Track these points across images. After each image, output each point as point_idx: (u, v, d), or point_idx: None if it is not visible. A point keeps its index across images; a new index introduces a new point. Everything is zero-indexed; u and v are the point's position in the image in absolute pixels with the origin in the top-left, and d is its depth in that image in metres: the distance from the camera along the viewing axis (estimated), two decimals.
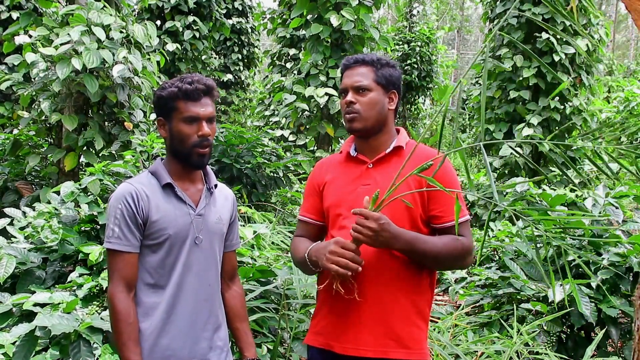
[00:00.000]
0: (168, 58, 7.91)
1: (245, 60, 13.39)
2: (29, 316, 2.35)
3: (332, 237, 1.65)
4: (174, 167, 1.70)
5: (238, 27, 12.63)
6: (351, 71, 1.75)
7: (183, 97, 1.63)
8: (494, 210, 5.98)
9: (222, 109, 13.36)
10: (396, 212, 1.61)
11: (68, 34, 4.09)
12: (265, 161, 5.86)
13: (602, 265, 3.00)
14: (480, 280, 3.62)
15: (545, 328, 2.97)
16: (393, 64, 1.77)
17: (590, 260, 3.07)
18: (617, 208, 3.56)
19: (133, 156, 3.72)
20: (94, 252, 2.62)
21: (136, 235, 1.61)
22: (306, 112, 7.42)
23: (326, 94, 6.89)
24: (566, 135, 7.83)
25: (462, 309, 3.45)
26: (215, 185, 1.77)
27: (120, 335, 1.57)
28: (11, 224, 3.14)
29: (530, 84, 7.59)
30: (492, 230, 4.35)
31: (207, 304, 1.71)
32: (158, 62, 4.90)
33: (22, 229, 3.12)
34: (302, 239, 1.83)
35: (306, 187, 1.89)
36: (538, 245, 3.36)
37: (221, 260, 1.79)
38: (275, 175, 5.94)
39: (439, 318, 3.29)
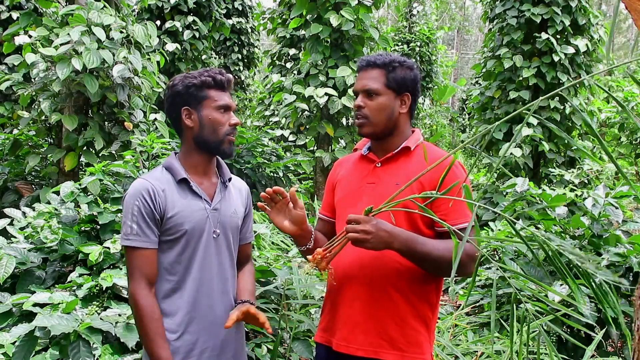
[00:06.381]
0: (168, 58, 7.91)
1: (245, 60, 13.38)
2: (28, 316, 2.35)
3: (339, 232, 1.66)
4: (192, 160, 1.70)
5: (238, 27, 12.62)
6: (363, 73, 1.72)
7: (215, 85, 1.66)
8: (494, 210, 5.98)
9: None
10: (393, 212, 1.59)
11: (68, 34, 4.09)
12: (265, 161, 5.86)
13: (601, 266, 3.00)
14: (480, 280, 3.62)
15: (545, 328, 2.97)
16: (409, 65, 1.72)
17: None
18: (617, 208, 3.56)
19: (133, 156, 3.72)
20: (94, 252, 2.62)
21: (154, 232, 1.61)
22: (306, 112, 7.42)
23: (326, 94, 6.89)
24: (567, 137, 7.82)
25: (462, 309, 3.45)
26: (230, 179, 1.78)
27: (147, 332, 1.56)
28: (11, 224, 3.14)
29: (530, 84, 7.59)
30: (492, 230, 4.35)
31: (225, 297, 1.72)
32: (158, 62, 4.89)
33: (22, 229, 3.12)
34: (317, 233, 1.85)
35: (325, 185, 1.93)
36: (535, 247, 3.35)
37: (236, 253, 1.81)
38: (275, 175, 5.94)
39: (439, 318, 3.30)
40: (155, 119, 4.83)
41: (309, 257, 1.54)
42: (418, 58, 16.21)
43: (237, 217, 1.77)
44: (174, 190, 1.64)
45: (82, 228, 2.99)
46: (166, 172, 1.68)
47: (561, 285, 2.92)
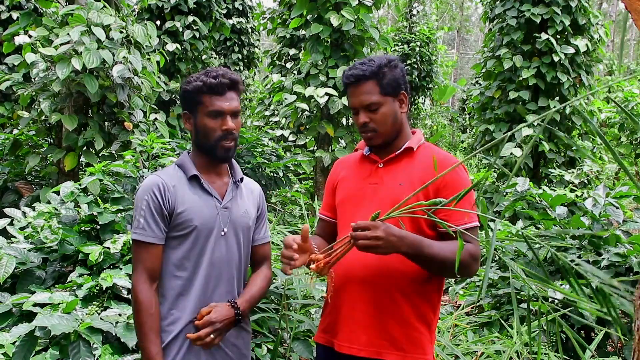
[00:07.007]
0: (168, 58, 7.90)
1: (245, 60, 13.38)
2: (29, 316, 2.34)
3: (341, 233, 1.66)
4: (200, 160, 1.72)
5: (238, 27, 12.61)
6: (355, 89, 1.70)
7: (208, 91, 1.65)
8: (494, 210, 5.98)
9: None
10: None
11: (68, 34, 4.09)
12: (265, 161, 5.86)
13: (602, 265, 3.00)
14: (480, 280, 3.62)
15: (545, 328, 2.97)
16: (394, 64, 1.71)
17: (591, 260, 3.07)
18: (617, 208, 3.56)
19: (133, 156, 3.71)
20: (94, 252, 2.62)
21: (161, 227, 1.62)
22: (306, 112, 7.42)
23: (326, 94, 6.88)
24: (566, 135, 7.83)
25: (462, 309, 3.46)
26: (242, 179, 1.79)
27: (142, 325, 1.59)
28: (11, 224, 3.14)
29: (529, 84, 7.59)
30: (492, 230, 4.35)
31: (231, 296, 1.72)
32: (158, 62, 4.89)
33: (22, 229, 3.11)
34: (316, 237, 1.86)
35: (325, 186, 1.92)
36: (537, 247, 3.36)
37: (249, 253, 1.81)
38: (275, 175, 5.93)
39: (439, 318, 3.30)
40: (156, 119, 4.83)
41: (312, 266, 1.54)
42: (418, 58, 16.19)
43: (248, 217, 1.77)
44: (185, 187, 1.66)
45: (82, 228, 2.99)
46: (178, 169, 1.71)
47: (561, 285, 2.92)
